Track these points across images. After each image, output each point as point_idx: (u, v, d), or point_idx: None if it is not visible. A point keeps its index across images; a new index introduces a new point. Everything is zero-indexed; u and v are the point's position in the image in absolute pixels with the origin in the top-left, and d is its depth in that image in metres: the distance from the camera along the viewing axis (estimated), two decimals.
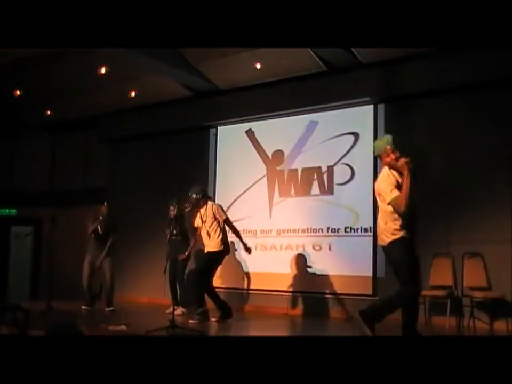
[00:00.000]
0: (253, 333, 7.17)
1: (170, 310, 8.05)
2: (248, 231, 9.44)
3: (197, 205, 7.53)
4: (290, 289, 8.87)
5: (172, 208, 8.25)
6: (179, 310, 8.08)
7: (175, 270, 8.26)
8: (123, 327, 6.40)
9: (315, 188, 8.93)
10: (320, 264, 8.66)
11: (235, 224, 9.71)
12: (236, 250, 9.21)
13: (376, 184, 5.36)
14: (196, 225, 7.68)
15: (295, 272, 8.90)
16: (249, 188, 9.61)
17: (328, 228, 8.69)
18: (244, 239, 7.68)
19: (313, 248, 8.77)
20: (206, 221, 7.45)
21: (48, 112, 10.94)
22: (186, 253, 8.35)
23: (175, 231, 8.15)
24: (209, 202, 7.61)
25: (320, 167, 8.86)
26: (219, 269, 7.71)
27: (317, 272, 8.67)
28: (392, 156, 5.18)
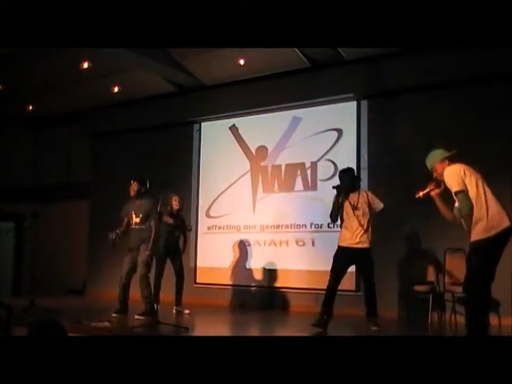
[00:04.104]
0: (238, 329, 7.19)
1: (179, 308, 7.83)
2: (232, 227, 9.46)
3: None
4: (273, 285, 8.90)
5: (175, 200, 7.92)
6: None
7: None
8: (106, 324, 6.38)
9: (298, 184, 8.96)
10: (303, 259, 8.69)
11: (219, 220, 9.74)
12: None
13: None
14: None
15: (278, 267, 8.93)
16: (232, 183, 9.61)
17: (311, 224, 8.72)
18: None
19: (297, 243, 8.80)
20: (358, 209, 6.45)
21: (30, 107, 10.84)
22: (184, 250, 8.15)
23: (174, 225, 7.87)
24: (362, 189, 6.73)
25: (303, 163, 8.89)
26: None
27: (301, 268, 8.70)
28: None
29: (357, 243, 6.37)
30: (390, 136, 8.28)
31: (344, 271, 6.43)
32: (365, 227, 6.38)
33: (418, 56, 7.79)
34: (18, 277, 11.92)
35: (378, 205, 6.48)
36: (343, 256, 6.41)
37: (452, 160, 4.85)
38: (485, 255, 4.56)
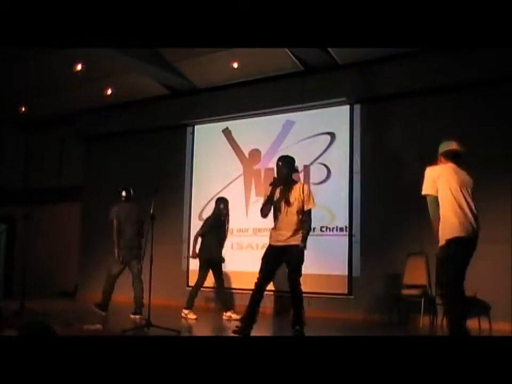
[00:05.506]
0: (230, 332, 7.16)
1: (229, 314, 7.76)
2: None
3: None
4: (267, 289, 8.87)
5: (223, 206, 8.00)
6: (229, 314, 7.83)
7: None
8: (98, 327, 6.36)
9: None
10: None
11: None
12: None
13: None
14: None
15: None
16: (226, 186, 9.60)
17: None
18: None
19: None
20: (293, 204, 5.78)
21: (23, 109, 10.80)
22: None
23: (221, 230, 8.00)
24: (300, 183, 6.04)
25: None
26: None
27: None
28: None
29: (284, 240, 5.77)
30: (383, 140, 8.30)
31: (273, 272, 5.97)
32: (295, 227, 5.77)
33: (411, 61, 7.82)
34: (10, 279, 11.86)
35: (308, 204, 5.73)
36: (270, 257, 5.89)
37: (448, 158, 4.77)
38: (453, 261, 4.59)
